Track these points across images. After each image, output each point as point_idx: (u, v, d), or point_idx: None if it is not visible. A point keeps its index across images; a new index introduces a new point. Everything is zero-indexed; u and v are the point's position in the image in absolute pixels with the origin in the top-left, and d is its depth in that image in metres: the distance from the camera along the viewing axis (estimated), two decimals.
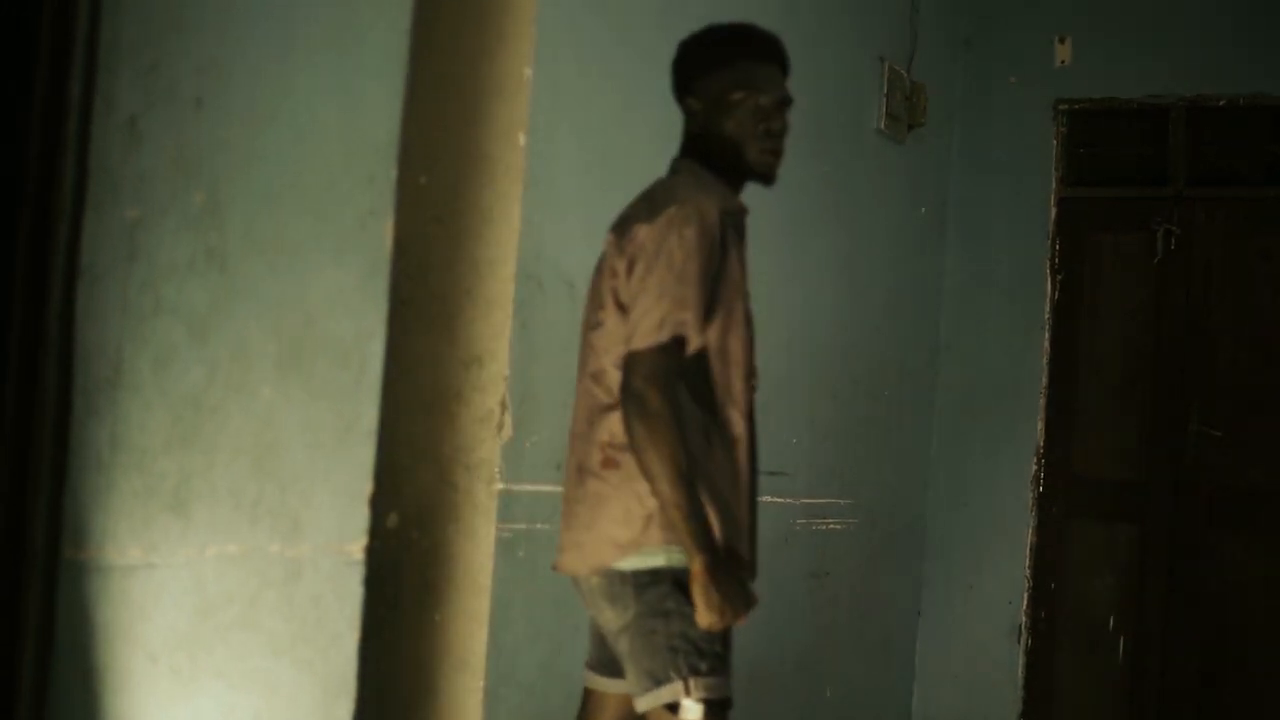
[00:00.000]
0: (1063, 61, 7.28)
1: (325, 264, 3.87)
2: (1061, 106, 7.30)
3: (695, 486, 3.49)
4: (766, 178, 3.82)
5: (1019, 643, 7.18)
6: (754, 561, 3.81)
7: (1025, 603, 7.17)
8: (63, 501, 3.36)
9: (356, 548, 3.98)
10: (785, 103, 3.81)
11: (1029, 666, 7.21)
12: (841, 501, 6.51)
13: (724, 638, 3.62)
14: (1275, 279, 7.05)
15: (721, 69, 3.77)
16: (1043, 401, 7.23)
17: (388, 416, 4.19)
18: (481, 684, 4.58)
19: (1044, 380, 7.23)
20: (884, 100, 6.72)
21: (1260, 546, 6.97)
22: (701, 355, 3.61)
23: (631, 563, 3.61)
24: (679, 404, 3.51)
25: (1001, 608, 7.20)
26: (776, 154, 3.80)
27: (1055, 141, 7.29)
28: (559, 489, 4.82)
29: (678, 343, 3.53)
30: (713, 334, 3.61)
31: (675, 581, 3.58)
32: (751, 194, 5.81)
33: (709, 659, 3.56)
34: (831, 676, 6.56)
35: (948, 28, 7.39)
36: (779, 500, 6.03)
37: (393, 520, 4.58)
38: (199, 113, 3.56)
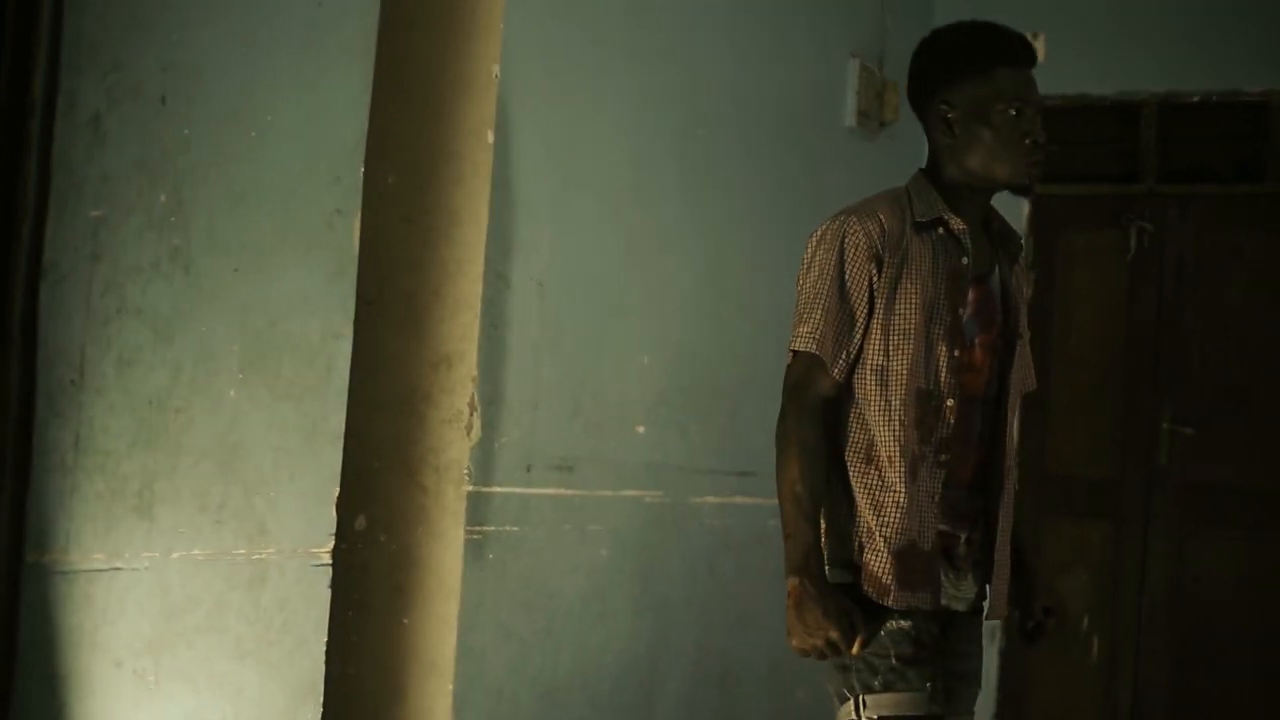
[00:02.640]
0: None
1: (291, 264, 3.85)
2: None
3: (809, 508, 3.41)
4: (1023, 189, 3.61)
5: (992, 642, 7.16)
6: (976, 589, 3.61)
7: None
8: (26, 504, 3.34)
9: (323, 551, 3.95)
10: (1041, 109, 3.61)
11: (1002, 666, 7.20)
12: None
13: (915, 650, 3.46)
14: (1247, 275, 7.05)
15: (980, 78, 3.57)
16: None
17: (354, 418, 4.16)
18: (450, 687, 4.55)
19: None
20: (856, 97, 6.70)
21: (1233, 543, 6.97)
22: (859, 373, 3.50)
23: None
24: (814, 422, 3.46)
25: None
26: (1038, 164, 3.59)
27: None
28: (528, 491, 4.81)
29: (815, 359, 3.47)
30: (870, 350, 3.49)
31: (849, 598, 3.45)
32: (718, 190, 5.80)
33: (883, 674, 3.45)
34: (803, 677, 6.53)
35: (919, 24, 7.36)
36: (749, 501, 6.01)
37: (360, 523, 4.56)
38: (163, 112, 3.53)
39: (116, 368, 3.45)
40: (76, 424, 3.39)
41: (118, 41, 3.45)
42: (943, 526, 3.52)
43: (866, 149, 6.87)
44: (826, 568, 3.47)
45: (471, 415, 4.58)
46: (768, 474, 6.09)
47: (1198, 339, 7.08)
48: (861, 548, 3.48)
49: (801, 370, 3.50)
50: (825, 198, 6.57)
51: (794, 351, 3.51)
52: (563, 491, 4.98)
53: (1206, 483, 7.02)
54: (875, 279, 3.47)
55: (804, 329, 3.48)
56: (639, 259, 5.34)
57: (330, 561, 3.97)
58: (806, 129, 6.47)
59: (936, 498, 3.50)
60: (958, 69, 3.60)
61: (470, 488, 4.59)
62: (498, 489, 4.69)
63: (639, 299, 5.34)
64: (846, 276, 3.47)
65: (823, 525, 3.49)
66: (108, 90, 3.43)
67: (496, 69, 4.63)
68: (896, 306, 3.48)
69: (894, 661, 3.45)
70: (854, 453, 3.51)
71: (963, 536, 3.55)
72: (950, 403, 3.51)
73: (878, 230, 3.49)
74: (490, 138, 4.63)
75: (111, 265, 3.45)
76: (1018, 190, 3.60)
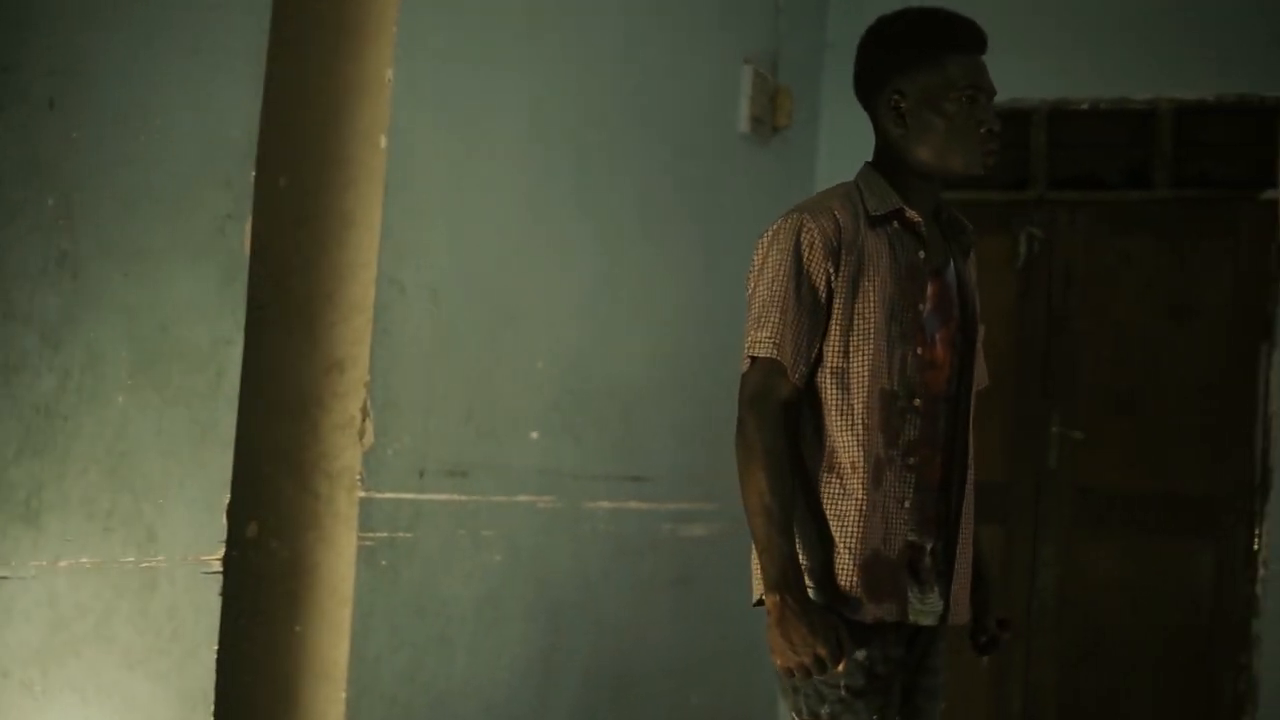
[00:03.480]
0: None
1: (181, 269, 3.81)
2: None
3: (781, 520, 3.29)
4: (969, 177, 3.50)
5: None
6: (943, 602, 3.47)
7: None
8: None
9: (214, 558, 3.92)
10: (992, 96, 3.51)
11: None
12: (707, 506, 6.50)
13: (866, 682, 3.35)
14: (1136, 282, 7.12)
15: (930, 66, 3.46)
16: None
17: (246, 423, 4.13)
18: (343, 695, 4.52)
19: None
20: (748, 103, 6.72)
21: (1121, 547, 7.04)
22: (815, 376, 3.39)
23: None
24: (777, 431, 3.34)
25: None
26: (993, 154, 3.48)
27: None
28: (421, 496, 4.78)
29: (775, 365, 3.35)
30: (829, 352, 3.38)
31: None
32: (613, 197, 5.80)
33: (831, 704, 3.35)
34: (697, 683, 6.55)
35: (812, 30, 7.40)
36: (642, 506, 6.02)
37: (251, 529, 4.53)
38: (51, 114, 3.49)
39: (2, 374, 3.41)
40: None
41: (4, 43, 3.40)
42: (911, 537, 3.41)
43: (759, 154, 6.89)
44: None
45: (364, 421, 4.56)
46: (661, 479, 6.14)
47: (1087, 344, 7.15)
48: (824, 562, 3.36)
49: (761, 377, 3.38)
50: (719, 203, 6.61)
51: (751, 358, 3.39)
52: (456, 497, 4.96)
53: (1095, 486, 7.09)
54: (833, 277, 3.37)
55: (761, 333, 3.37)
56: (533, 264, 5.33)
57: (221, 569, 3.93)
58: (700, 134, 6.48)
59: (907, 503, 3.40)
60: (907, 57, 3.50)
61: (363, 493, 4.56)
62: (390, 495, 4.67)
63: (533, 304, 5.33)
64: (803, 276, 3.36)
65: None
66: None
67: (389, 72, 4.61)
68: (855, 305, 3.38)
69: (843, 693, 3.34)
70: (813, 461, 3.40)
71: (928, 546, 3.44)
72: (917, 402, 3.42)
73: (833, 227, 3.39)
74: (383, 141, 4.60)
75: None
76: (969, 177, 3.49)
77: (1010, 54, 7.15)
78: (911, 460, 3.41)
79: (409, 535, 4.74)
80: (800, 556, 3.34)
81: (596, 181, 5.68)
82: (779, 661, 3.29)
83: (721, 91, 6.64)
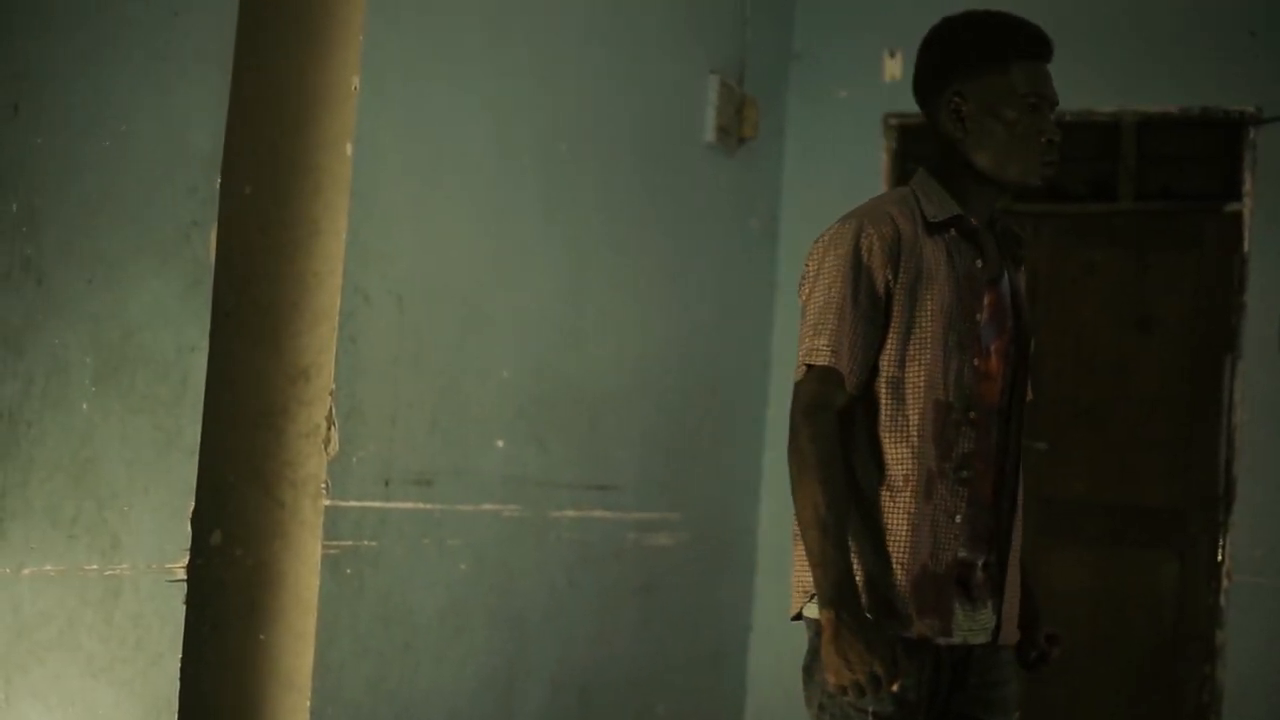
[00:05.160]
0: (893, 76, 7.33)
1: (146, 276, 3.80)
2: (891, 120, 7.35)
3: (836, 534, 3.18)
4: (1029, 188, 3.41)
5: None
6: (996, 619, 3.40)
7: None
8: None
9: (178, 566, 3.90)
10: (1054, 107, 3.42)
11: None
12: (672, 515, 6.50)
13: (895, 709, 3.25)
14: (1100, 293, 7.14)
15: (993, 71, 3.38)
16: None
17: (210, 431, 4.12)
18: (307, 703, 4.51)
19: None
20: (715, 113, 6.72)
21: (1085, 558, 7.05)
22: (869, 386, 3.30)
23: (812, 610, 3.31)
24: (832, 441, 3.23)
25: None
26: (1054, 165, 3.38)
27: (885, 155, 7.34)
28: (387, 505, 4.78)
29: (833, 373, 3.25)
30: (885, 361, 3.29)
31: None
32: (579, 205, 5.80)
33: None
34: (663, 691, 6.55)
35: (779, 41, 7.42)
36: (608, 515, 6.01)
37: (216, 537, 4.51)
38: (15, 120, 3.47)
39: None
40: None
41: None
42: (962, 553, 3.33)
43: (726, 164, 6.90)
44: None
45: (329, 429, 4.55)
46: (627, 488, 6.14)
47: (1051, 355, 7.17)
48: (875, 576, 3.28)
49: (817, 386, 3.26)
50: (685, 212, 6.61)
51: (808, 366, 3.28)
52: (421, 506, 4.95)
53: (1059, 497, 7.10)
54: (892, 284, 3.29)
55: (820, 341, 3.27)
56: (499, 272, 5.33)
57: (185, 577, 3.92)
58: (667, 144, 6.49)
59: (959, 518, 3.32)
60: (971, 61, 3.41)
61: (328, 502, 4.55)
62: (355, 503, 4.66)
63: (498, 312, 5.33)
64: (861, 283, 3.27)
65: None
66: None
67: (356, 80, 4.60)
68: (913, 314, 3.30)
69: (870, 719, 3.25)
70: (865, 472, 3.30)
71: (980, 562, 3.36)
72: (973, 415, 3.33)
73: (892, 233, 3.30)
74: (349, 149, 4.60)
75: None
76: (1028, 188, 3.42)
77: None
78: (965, 474, 3.33)
79: (374, 544, 4.73)
80: (854, 570, 3.25)
81: (562, 190, 5.69)
82: (832, 679, 3.17)
83: (688, 101, 6.64)
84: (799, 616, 3.37)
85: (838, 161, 7.38)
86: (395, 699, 4.89)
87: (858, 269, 3.28)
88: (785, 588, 7.34)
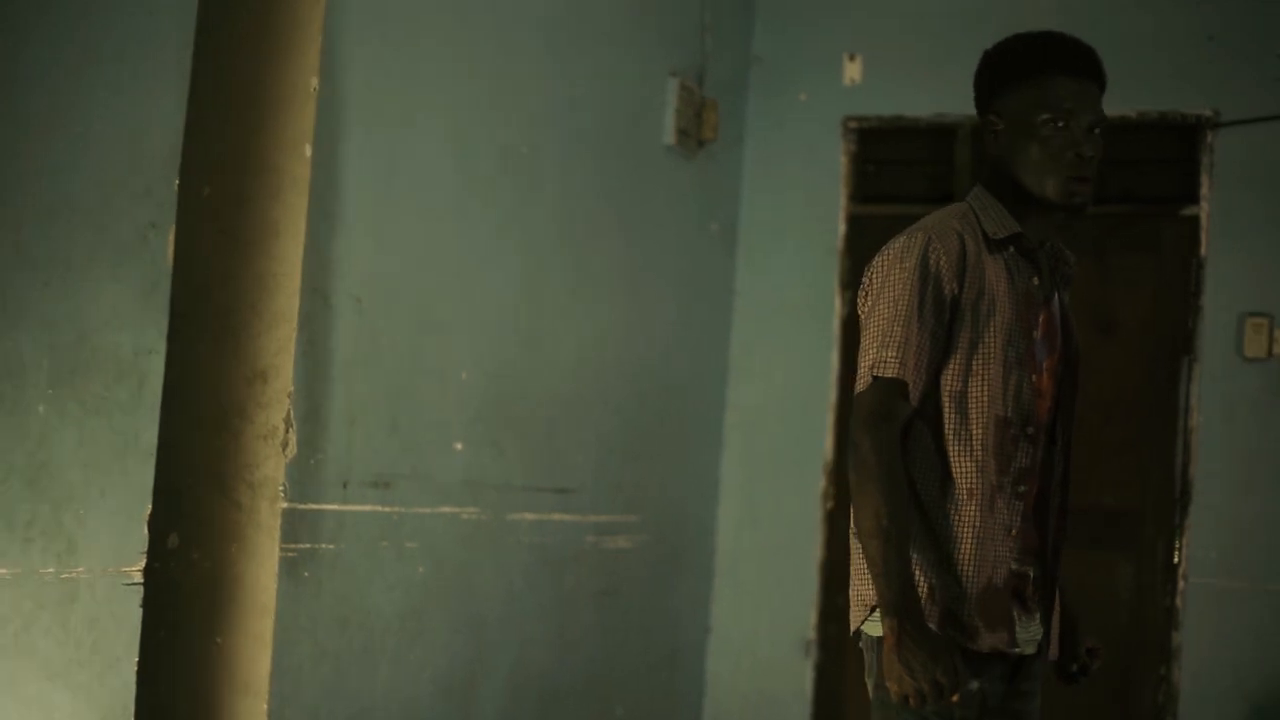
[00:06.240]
0: (852, 80, 7.33)
1: (103, 277, 3.78)
2: (851, 124, 7.36)
3: (899, 544, 3.22)
4: (1072, 209, 3.40)
5: (808, 658, 7.21)
6: (1044, 631, 3.48)
7: (814, 618, 7.21)
8: None
9: (135, 569, 3.89)
10: (1098, 124, 3.45)
11: (818, 681, 7.25)
12: (630, 518, 6.50)
13: (979, 715, 3.33)
14: None
15: (1027, 86, 3.42)
16: (832, 418, 7.27)
17: (168, 434, 4.10)
18: (265, 707, 4.50)
19: (833, 397, 7.28)
20: (674, 115, 6.72)
21: None
22: (934, 399, 3.34)
23: (872, 627, 3.35)
24: (895, 452, 3.26)
25: (791, 623, 7.23)
26: (1086, 181, 3.38)
27: (844, 159, 7.34)
28: (345, 508, 4.77)
29: (898, 385, 3.29)
30: (948, 376, 3.33)
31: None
32: (537, 207, 5.80)
33: None
34: (621, 694, 6.54)
35: (739, 44, 7.42)
36: (566, 518, 6.01)
37: (173, 540, 4.50)
38: None
39: None
40: None
41: None
42: (1014, 565, 3.38)
43: (685, 167, 6.90)
44: None
45: (287, 431, 4.54)
46: (585, 491, 6.14)
47: None
48: (938, 588, 3.32)
49: (882, 396, 3.29)
50: (644, 215, 6.61)
51: (874, 377, 3.31)
52: (379, 508, 4.94)
53: None
54: (957, 299, 3.32)
55: (887, 352, 3.30)
56: (458, 275, 5.32)
57: (142, 580, 3.91)
58: (626, 147, 6.49)
59: (1014, 531, 3.37)
60: (1006, 79, 3.46)
61: (285, 504, 4.54)
62: (313, 506, 4.65)
63: (458, 315, 5.32)
64: (927, 297, 3.31)
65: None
66: None
67: (315, 81, 4.59)
68: (976, 329, 3.33)
69: None
70: (928, 485, 3.35)
71: (1031, 575, 3.42)
72: (1030, 430, 3.38)
73: (958, 248, 3.34)
74: (308, 151, 4.59)
75: None
76: (1062, 209, 3.41)
77: (936, 71, 7.21)
78: (1021, 488, 3.39)
79: (332, 547, 4.72)
80: (916, 581, 3.29)
81: (521, 192, 5.68)
82: (894, 688, 3.20)
83: (647, 104, 6.64)
84: (858, 634, 3.41)
85: (798, 165, 7.39)
86: (353, 702, 4.88)
87: (925, 282, 3.32)
88: (741, 590, 7.36)
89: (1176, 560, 6.80)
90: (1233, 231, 6.77)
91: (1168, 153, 6.98)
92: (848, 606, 3.54)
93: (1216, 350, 6.76)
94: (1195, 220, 6.85)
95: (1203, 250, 6.81)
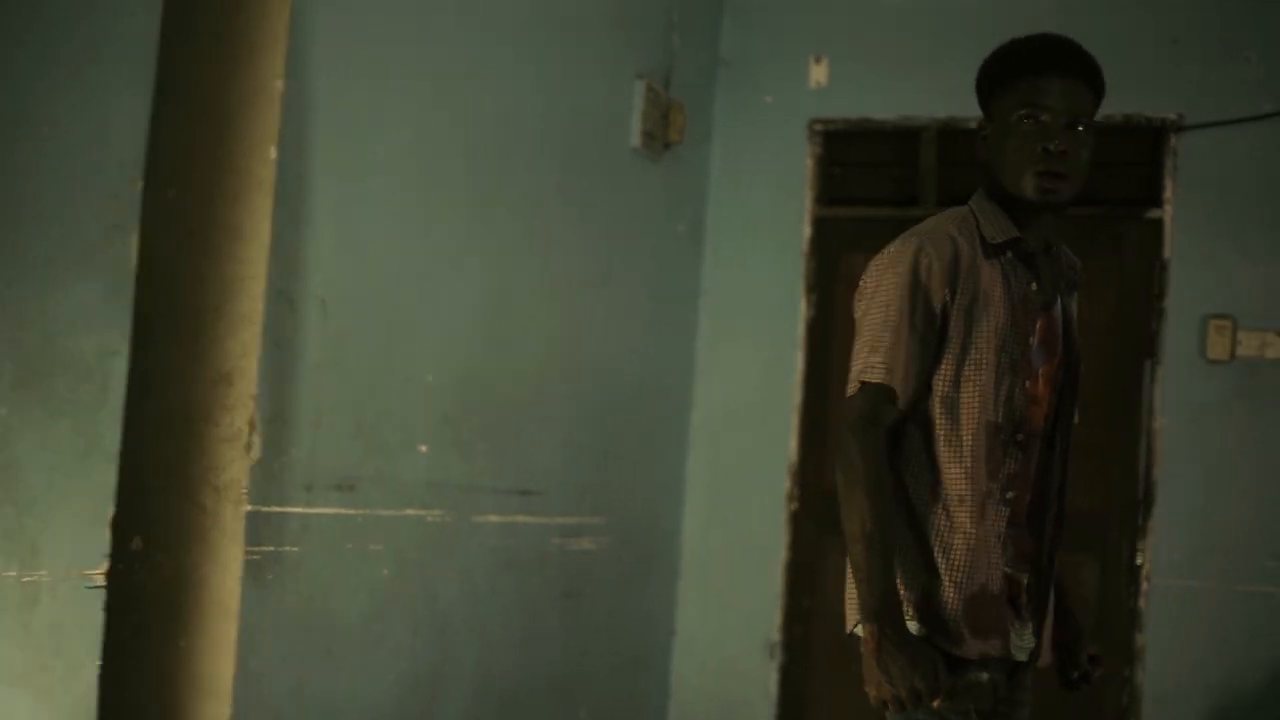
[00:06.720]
0: (818, 82, 7.34)
1: (67, 279, 3.77)
2: (816, 126, 7.36)
3: (883, 549, 3.21)
4: (1047, 205, 3.38)
5: (773, 660, 7.22)
6: (1035, 640, 3.46)
7: (779, 620, 7.22)
8: None
9: (98, 572, 3.88)
10: (1081, 121, 3.39)
11: (783, 683, 7.25)
12: (595, 520, 6.50)
13: (994, 705, 3.35)
14: None
15: (1012, 87, 3.39)
16: (796, 420, 7.28)
17: (131, 436, 4.09)
18: (228, 711, 4.49)
19: (798, 399, 7.28)
20: (641, 118, 6.73)
21: None
22: (925, 404, 3.34)
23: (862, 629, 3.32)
24: (881, 458, 3.26)
25: (756, 625, 7.24)
26: (1057, 176, 3.33)
27: (810, 161, 7.35)
28: (309, 510, 4.76)
29: (885, 390, 3.28)
30: (939, 380, 3.33)
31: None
32: (503, 209, 5.79)
33: None
34: (586, 696, 6.54)
35: (705, 47, 7.42)
36: (531, 520, 6.01)
37: (136, 543, 4.48)
38: None
39: None
40: None
41: None
42: (1007, 570, 3.38)
43: (651, 169, 6.90)
44: None
45: (251, 434, 4.53)
46: (550, 493, 6.14)
47: None
48: (928, 594, 3.32)
49: (870, 402, 3.30)
50: (611, 217, 6.61)
51: (861, 382, 3.31)
52: (344, 511, 4.94)
53: None
54: (949, 305, 3.32)
55: (875, 358, 3.30)
56: (423, 277, 5.32)
57: (105, 583, 3.90)
58: (592, 148, 6.49)
59: (1002, 538, 3.36)
60: (995, 83, 3.45)
61: (249, 507, 4.53)
62: (278, 508, 4.64)
63: (423, 317, 5.31)
64: (918, 302, 3.31)
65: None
66: None
67: (280, 83, 4.58)
68: (968, 335, 3.33)
69: (974, 717, 3.29)
70: (918, 490, 3.35)
71: (1024, 582, 3.41)
72: (1020, 437, 3.37)
73: (951, 253, 3.33)
74: (273, 152, 4.58)
75: None
76: (1042, 207, 3.39)
77: (901, 73, 7.23)
78: (1009, 495, 3.39)
79: (296, 549, 4.71)
80: (900, 587, 3.30)
81: (487, 194, 5.67)
82: (873, 692, 3.22)
83: (614, 106, 6.64)
84: (853, 634, 3.40)
85: (764, 167, 7.39)
86: (317, 705, 4.87)
87: (915, 289, 3.31)
88: (707, 592, 7.36)
89: (1140, 561, 6.82)
90: (1196, 234, 6.80)
91: (1132, 156, 7.01)
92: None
93: (1180, 352, 6.79)
94: (1159, 223, 6.87)
95: (1166, 253, 6.84)
